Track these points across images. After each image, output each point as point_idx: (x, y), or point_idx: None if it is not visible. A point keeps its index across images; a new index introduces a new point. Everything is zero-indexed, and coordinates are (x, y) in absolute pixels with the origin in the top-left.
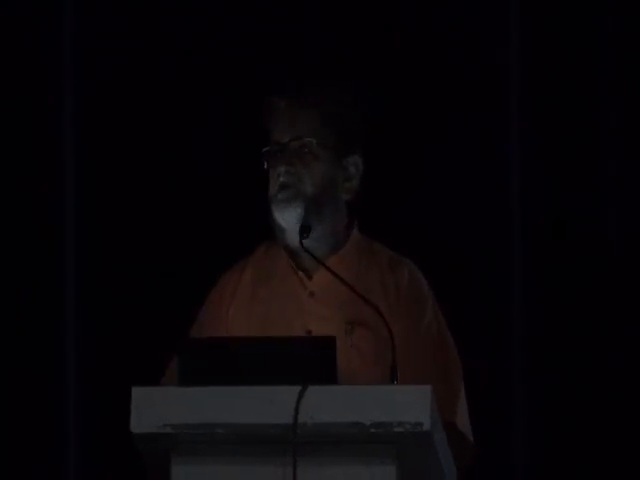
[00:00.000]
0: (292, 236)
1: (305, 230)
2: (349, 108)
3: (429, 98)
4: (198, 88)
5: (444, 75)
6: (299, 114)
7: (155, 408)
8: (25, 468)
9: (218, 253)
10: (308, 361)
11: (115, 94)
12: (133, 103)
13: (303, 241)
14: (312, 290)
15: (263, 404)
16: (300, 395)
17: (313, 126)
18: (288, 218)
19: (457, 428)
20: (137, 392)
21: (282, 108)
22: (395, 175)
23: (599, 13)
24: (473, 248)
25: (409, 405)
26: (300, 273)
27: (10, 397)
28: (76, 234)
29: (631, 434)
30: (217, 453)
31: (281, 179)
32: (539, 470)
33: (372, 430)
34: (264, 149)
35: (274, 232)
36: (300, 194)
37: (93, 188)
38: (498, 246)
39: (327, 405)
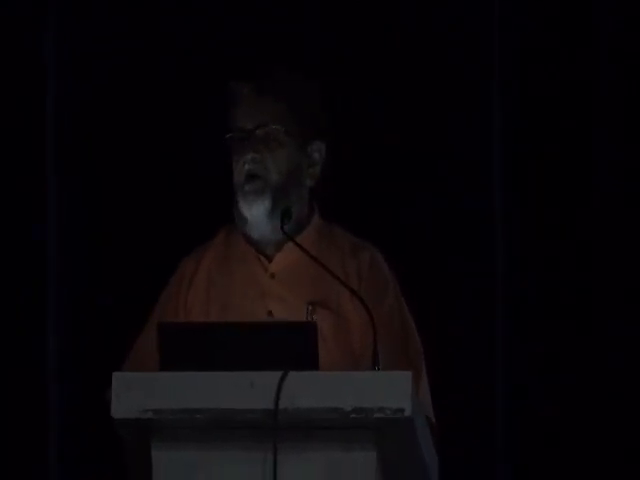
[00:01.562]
0: (254, 227)
1: (287, 214)
2: (313, 94)
3: (427, 97)
4: (198, 88)
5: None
6: (264, 101)
7: (136, 393)
8: (8, 458)
9: None
10: (289, 346)
11: (113, 96)
12: (131, 104)
13: (284, 226)
14: (273, 272)
15: (244, 389)
16: (281, 380)
17: (278, 113)
18: (255, 212)
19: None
20: (118, 377)
21: (246, 94)
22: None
23: (598, 12)
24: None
25: (390, 391)
26: (261, 256)
27: None
28: (58, 223)
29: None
30: (198, 438)
31: (247, 167)
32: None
33: (353, 416)
34: (227, 135)
35: (235, 220)
36: (267, 185)
37: (85, 186)
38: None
39: (308, 390)
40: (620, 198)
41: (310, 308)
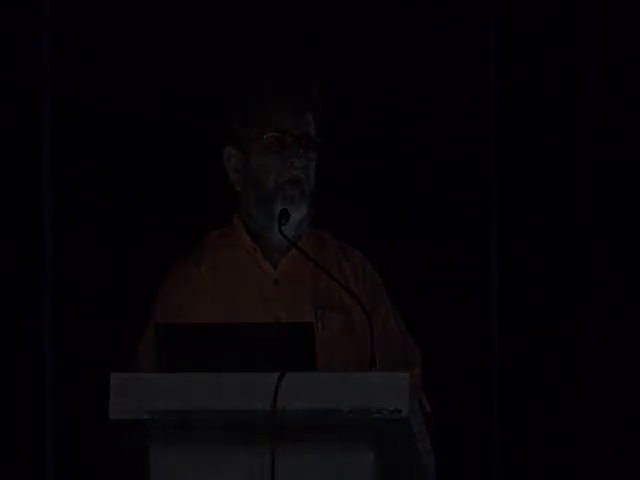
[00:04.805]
0: (287, 230)
1: (284, 216)
2: (324, 111)
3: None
4: (197, 90)
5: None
6: (302, 109)
7: (133, 394)
8: (6, 460)
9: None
10: (287, 347)
11: (112, 96)
12: (130, 104)
13: (282, 227)
14: (277, 278)
15: (241, 390)
16: (279, 381)
17: (312, 125)
18: (297, 215)
19: (424, 407)
20: (115, 378)
21: (282, 96)
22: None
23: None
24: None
25: (387, 392)
26: (265, 262)
27: None
28: (53, 222)
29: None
30: (195, 440)
31: (295, 172)
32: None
33: (350, 417)
34: (271, 134)
35: (253, 218)
36: (305, 194)
37: (84, 185)
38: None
39: (305, 391)
40: (619, 197)
41: (321, 312)
